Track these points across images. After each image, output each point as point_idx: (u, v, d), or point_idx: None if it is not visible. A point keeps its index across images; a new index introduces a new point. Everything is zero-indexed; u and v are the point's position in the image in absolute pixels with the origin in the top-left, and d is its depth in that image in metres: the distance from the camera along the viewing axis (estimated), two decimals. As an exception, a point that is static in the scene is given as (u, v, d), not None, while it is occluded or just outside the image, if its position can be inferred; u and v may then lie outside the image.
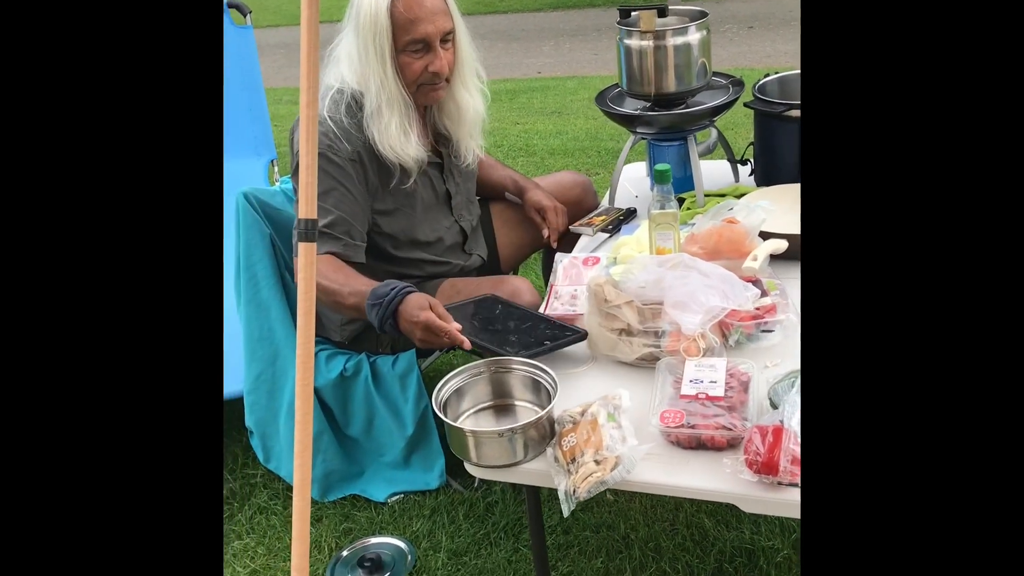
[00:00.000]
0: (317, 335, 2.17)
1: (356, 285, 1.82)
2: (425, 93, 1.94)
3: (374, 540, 2.07)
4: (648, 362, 1.60)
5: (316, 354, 2.12)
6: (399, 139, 1.90)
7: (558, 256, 1.97)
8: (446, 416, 1.47)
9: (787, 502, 1.28)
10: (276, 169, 3.62)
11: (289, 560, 1.43)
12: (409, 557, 2.00)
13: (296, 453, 1.41)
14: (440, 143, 2.07)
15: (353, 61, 1.91)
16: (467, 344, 1.68)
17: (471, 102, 2.02)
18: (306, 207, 1.42)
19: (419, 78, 1.90)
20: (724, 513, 1.99)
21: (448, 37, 1.91)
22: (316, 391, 2.11)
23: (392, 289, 1.74)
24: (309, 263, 1.43)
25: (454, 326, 1.68)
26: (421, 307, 1.69)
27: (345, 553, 2.04)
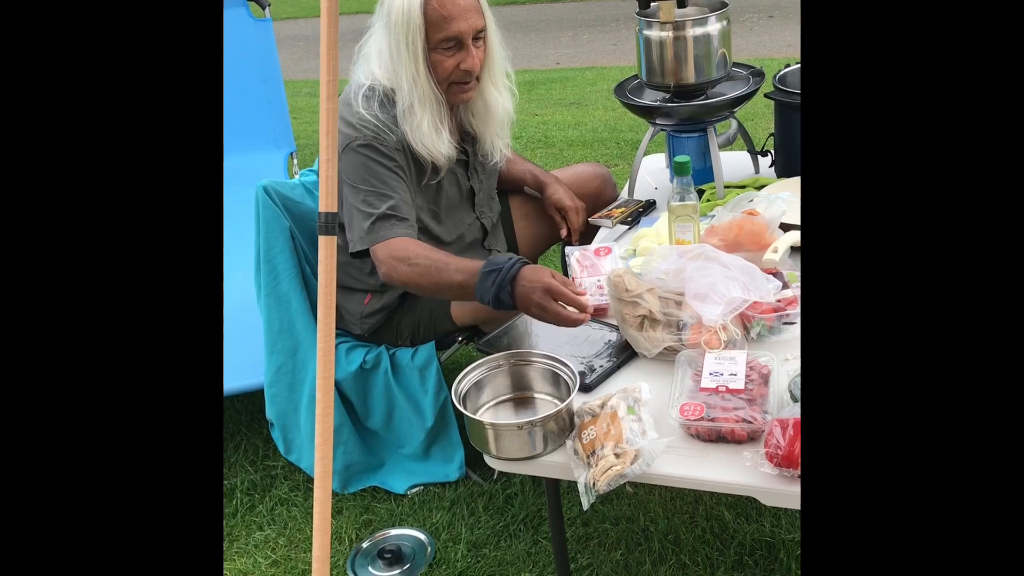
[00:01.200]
0: (337, 328, 2.18)
1: (459, 262, 1.77)
2: (456, 92, 1.93)
3: (394, 532, 2.08)
4: (669, 355, 1.60)
5: (336, 347, 2.13)
6: (431, 136, 1.90)
7: (568, 249, 1.97)
8: (465, 409, 1.47)
9: (808, 495, 1.27)
10: (295, 162, 3.63)
11: (310, 551, 1.45)
12: (429, 549, 2.01)
13: (316, 445, 1.42)
14: (466, 141, 2.07)
15: (384, 58, 1.91)
16: (591, 308, 1.63)
17: (500, 100, 2.01)
18: (326, 200, 1.43)
19: (451, 76, 1.90)
20: (744, 506, 1.98)
21: (480, 35, 1.90)
22: (336, 383, 2.12)
23: (509, 259, 1.67)
24: (329, 256, 1.43)
25: (577, 290, 1.63)
26: (542, 272, 1.62)
27: (365, 544, 2.05)
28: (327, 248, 1.43)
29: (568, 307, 1.61)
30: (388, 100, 1.92)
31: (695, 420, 1.39)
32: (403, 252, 1.82)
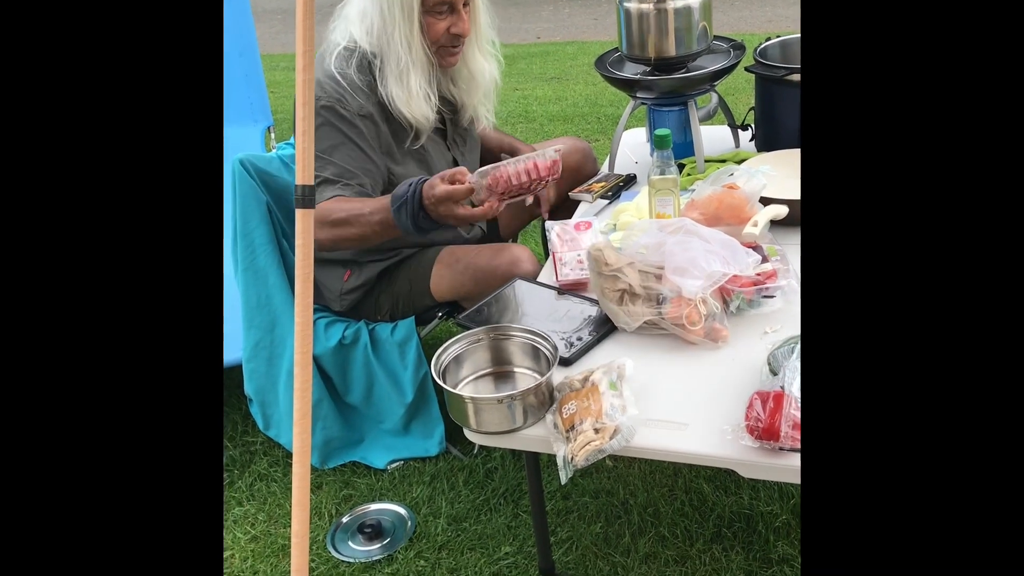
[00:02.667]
0: (316, 303, 2.16)
1: (372, 203, 1.81)
2: (443, 55, 1.94)
3: (374, 506, 2.07)
4: (649, 329, 1.60)
5: (315, 322, 2.11)
6: (419, 99, 1.90)
7: (548, 224, 1.96)
8: (445, 383, 1.47)
9: (787, 467, 1.28)
10: (272, 136, 3.59)
11: (289, 526, 1.44)
12: (409, 523, 2.01)
13: (295, 421, 1.41)
14: (444, 108, 2.05)
15: (369, 21, 1.89)
16: (494, 204, 1.73)
17: (486, 67, 2.02)
18: (303, 173, 1.41)
19: (440, 39, 1.90)
20: (723, 478, 1.99)
21: (467, 1, 1.91)
22: (315, 359, 2.10)
23: (408, 186, 1.73)
24: (306, 230, 1.42)
25: (468, 185, 1.70)
26: (433, 185, 1.69)
27: (345, 519, 2.04)
28: (304, 222, 1.41)
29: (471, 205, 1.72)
30: (365, 63, 1.91)
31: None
32: (321, 216, 1.79)
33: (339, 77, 1.88)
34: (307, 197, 1.41)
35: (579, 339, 1.61)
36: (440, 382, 1.46)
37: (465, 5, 1.90)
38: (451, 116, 2.06)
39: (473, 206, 1.76)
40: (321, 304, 2.16)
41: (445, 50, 1.93)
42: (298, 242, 1.41)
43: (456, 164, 2.10)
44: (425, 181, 1.72)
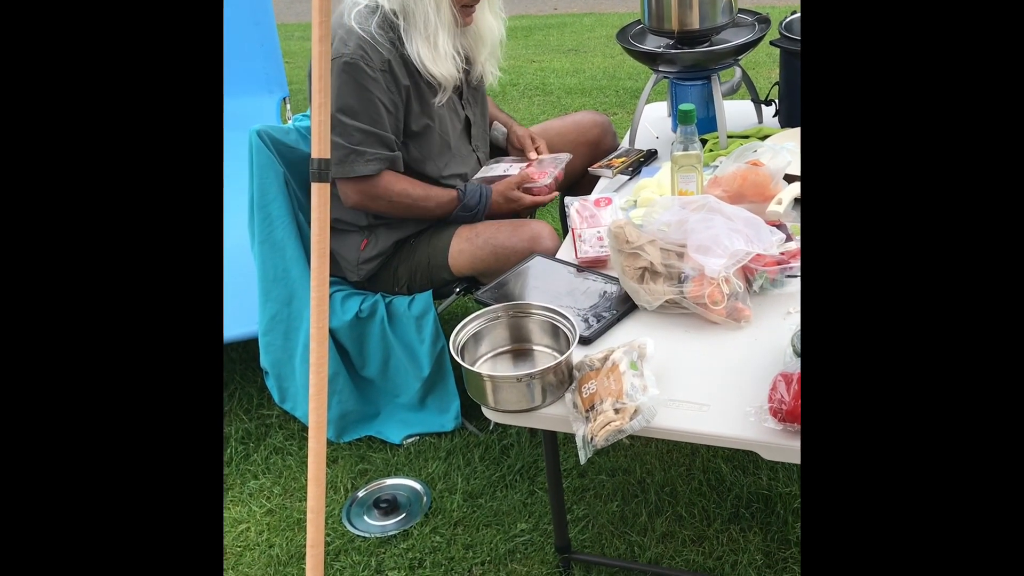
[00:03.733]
0: (332, 275, 2.15)
1: (436, 200, 2.02)
2: (464, 14, 1.96)
3: (390, 481, 2.07)
4: (670, 308, 1.58)
5: (331, 295, 2.10)
6: (447, 59, 1.93)
7: (567, 199, 1.94)
8: (464, 360, 1.45)
9: (810, 451, 1.26)
10: (288, 107, 3.56)
11: (305, 500, 1.44)
12: (425, 498, 2.01)
13: (311, 396, 1.40)
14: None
15: None
16: (547, 199, 2.07)
17: (494, 24, 2.04)
18: (319, 146, 1.39)
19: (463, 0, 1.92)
20: (741, 459, 1.98)
21: None
22: (331, 332, 2.09)
23: (479, 197, 2.03)
24: (322, 203, 1.40)
25: (530, 199, 2.04)
26: (502, 192, 2.04)
27: (361, 494, 2.04)
28: (320, 196, 1.40)
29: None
30: (387, 23, 1.91)
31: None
32: (378, 190, 1.96)
33: (361, 32, 1.87)
34: (323, 171, 1.39)
35: (599, 317, 1.59)
36: (459, 359, 1.44)
37: None
38: (464, 75, 2.05)
39: None
40: (338, 275, 2.14)
41: (466, 9, 1.95)
42: (314, 216, 1.40)
43: (469, 124, 2.11)
44: (490, 197, 2.03)
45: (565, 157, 2.16)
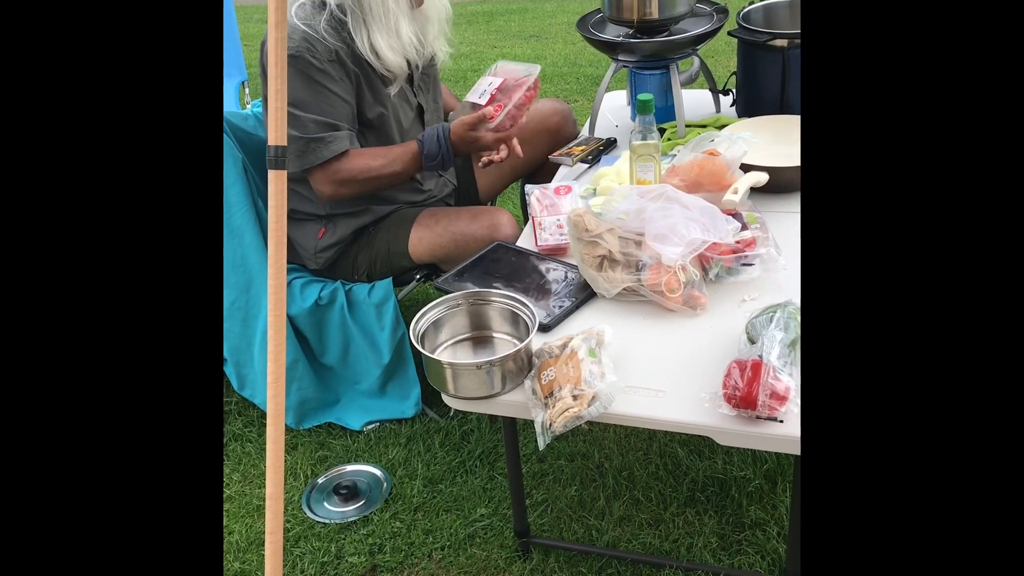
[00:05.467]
0: (291, 263, 2.15)
1: (400, 159, 1.96)
2: None
3: (350, 468, 2.08)
4: (628, 295, 1.60)
5: (290, 282, 2.10)
6: (410, 43, 1.92)
7: (527, 188, 1.95)
8: (423, 348, 1.46)
9: (764, 436, 1.29)
10: (247, 91, 3.52)
11: (264, 487, 1.43)
12: (385, 484, 2.01)
13: (268, 383, 1.40)
14: None
15: None
16: (512, 133, 1.95)
17: (439, 1, 2.02)
18: (275, 133, 1.38)
19: None
20: (697, 443, 2.01)
21: None
22: (291, 319, 2.09)
23: (436, 142, 1.93)
24: (279, 191, 1.39)
25: (492, 136, 1.92)
26: (460, 127, 1.91)
27: (321, 480, 2.04)
28: (277, 183, 1.39)
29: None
30: (336, 18, 1.89)
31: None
32: (342, 174, 1.92)
33: (304, 27, 1.85)
34: (279, 158, 1.39)
35: (559, 305, 1.61)
36: (419, 347, 1.45)
37: None
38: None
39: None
40: (297, 263, 2.14)
41: None
42: (271, 203, 1.39)
43: (422, 111, 2.09)
44: (449, 133, 1.92)
45: (532, 71, 2.01)
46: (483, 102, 1.96)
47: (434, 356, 1.46)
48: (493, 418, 2.13)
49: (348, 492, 1.98)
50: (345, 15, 1.88)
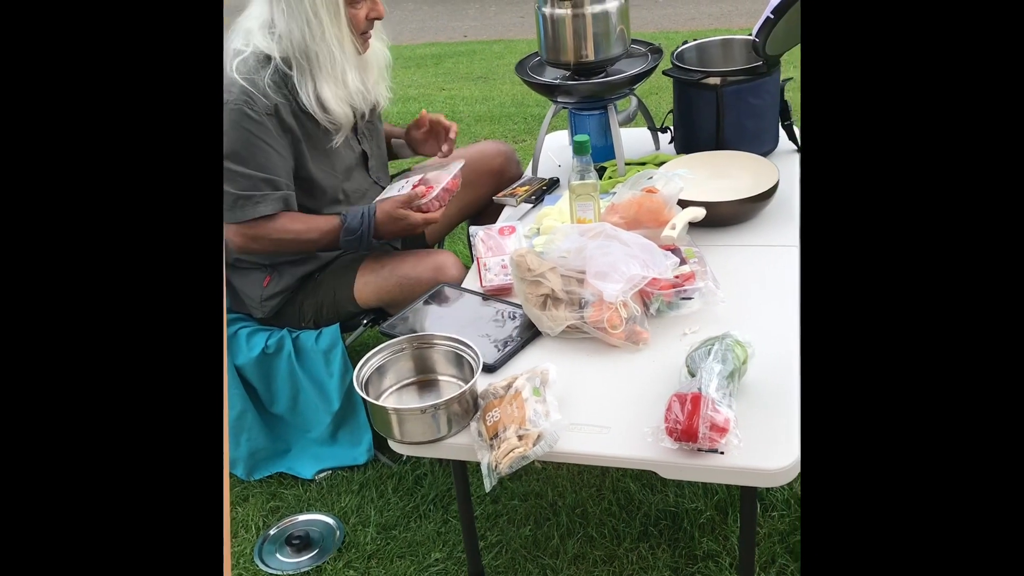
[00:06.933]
0: (237, 311, 2.14)
1: (320, 228, 1.96)
2: (363, 43, 1.96)
3: (302, 517, 2.05)
4: (572, 333, 1.61)
5: (236, 332, 2.08)
6: (357, 92, 1.94)
7: (472, 229, 1.97)
8: (368, 394, 1.46)
9: (706, 468, 1.31)
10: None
11: (213, 543, 1.42)
12: (338, 533, 1.99)
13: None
14: None
15: (283, 28, 1.87)
16: (437, 215, 1.97)
17: (379, 48, 2.05)
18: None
19: (362, 27, 1.92)
20: (649, 477, 2.02)
21: None
22: (238, 369, 2.07)
23: (360, 219, 1.94)
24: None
25: (421, 217, 1.94)
26: (389, 207, 1.93)
27: (273, 531, 2.02)
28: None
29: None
30: (279, 72, 1.90)
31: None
32: (258, 230, 1.92)
33: (243, 81, 1.86)
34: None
35: (504, 345, 1.62)
36: (363, 394, 1.45)
37: None
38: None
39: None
40: (243, 312, 2.12)
41: (363, 37, 1.95)
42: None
43: (366, 157, 2.11)
44: (375, 217, 1.93)
45: (457, 164, 2.10)
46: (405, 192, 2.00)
47: (378, 402, 1.46)
48: (445, 461, 2.12)
49: (301, 542, 1.96)
50: (291, 69, 1.89)
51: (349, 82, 1.92)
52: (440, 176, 2.06)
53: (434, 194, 1.98)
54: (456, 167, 2.08)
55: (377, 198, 2.09)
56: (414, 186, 2.03)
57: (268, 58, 1.88)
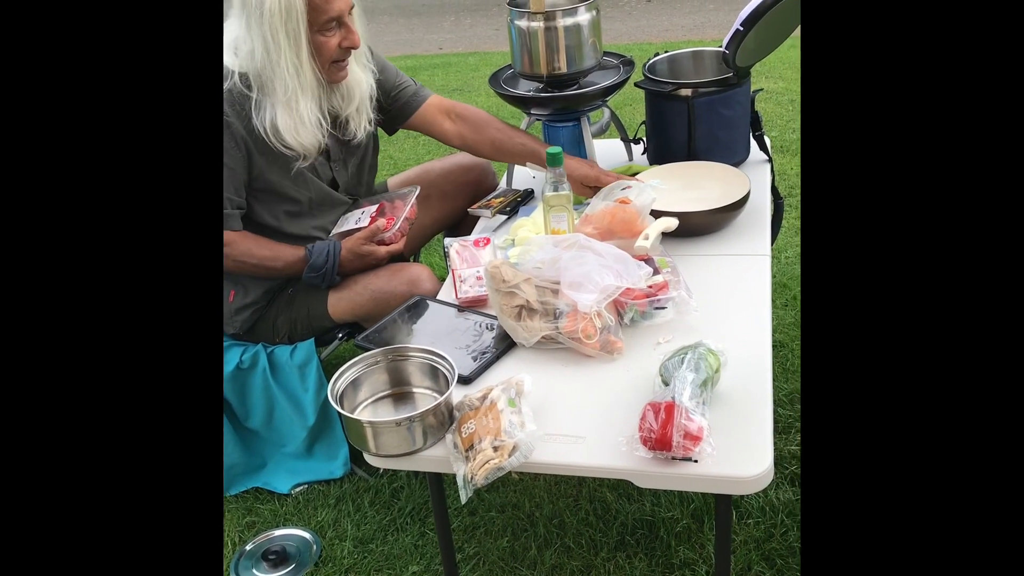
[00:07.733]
0: (212, 327, 2.12)
1: (284, 258, 1.98)
2: (334, 72, 1.91)
3: (278, 532, 2.04)
4: (547, 343, 1.62)
5: (211, 347, 2.07)
6: (310, 126, 1.88)
7: (447, 241, 1.97)
8: (343, 408, 1.46)
9: (680, 476, 1.32)
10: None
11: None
12: (314, 547, 1.98)
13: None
14: (330, 124, 2.03)
15: (248, 48, 1.83)
16: (400, 246, 2.00)
17: (362, 77, 2.00)
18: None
19: (332, 55, 1.88)
20: (626, 486, 2.03)
21: (351, 12, 1.90)
22: (213, 384, 2.06)
23: (325, 257, 1.95)
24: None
25: (385, 250, 1.97)
26: (352, 247, 1.95)
27: (249, 547, 2.00)
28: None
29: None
30: (238, 91, 1.86)
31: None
32: (225, 252, 1.90)
33: None
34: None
35: (479, 356, 1.62)
36: (337, 407, 1.44)
37: (348, 14, 1.88)
38: (332, 131, 2.02)
39: None
40: (218, 328, 2.11)
41: (336, 66, 1.90)
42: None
43: (335, 184, 2.08)
44: (340, 251, 1.96)
45: (412, 191, 2.10)
46: (362, 226, 2.00)
47: (353, 416, 1.45)
48: (422, 474, 2.12)
49: (277, 557, 1.95)
50: (250, 90, 1.86)
51: (303, 112, 1.85)
52: (397, 206, 2.07)
53: (396, 226, 2.00)
54: (412, 195, 2.09)
55: (334, 231, 2.06)
56: (372, 217, 2.02)
57: (231, 72, 1.86)
